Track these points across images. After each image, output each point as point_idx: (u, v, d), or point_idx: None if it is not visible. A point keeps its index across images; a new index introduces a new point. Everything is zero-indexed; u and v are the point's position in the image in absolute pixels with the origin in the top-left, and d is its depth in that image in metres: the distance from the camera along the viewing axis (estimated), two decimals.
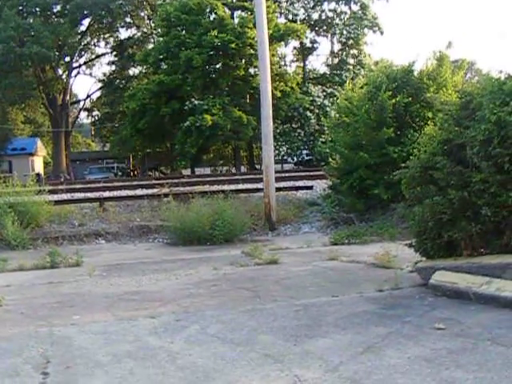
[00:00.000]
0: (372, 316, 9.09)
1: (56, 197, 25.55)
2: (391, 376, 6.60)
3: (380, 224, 19.93)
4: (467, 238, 10.56)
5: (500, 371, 6.59)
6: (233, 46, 48.27)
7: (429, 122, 13.08)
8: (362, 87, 23.39)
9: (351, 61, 63.62)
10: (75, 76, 78.06)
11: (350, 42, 62.36)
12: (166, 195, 24.45)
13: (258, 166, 54.23)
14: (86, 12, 64.46)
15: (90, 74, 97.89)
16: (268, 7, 42.18)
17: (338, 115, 25.08)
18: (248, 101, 51.54)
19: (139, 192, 27.58)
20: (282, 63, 61.50)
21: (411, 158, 11.99)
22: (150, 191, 27.45)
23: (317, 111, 55.17)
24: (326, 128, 26.45)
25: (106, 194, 27.23)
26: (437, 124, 11.97)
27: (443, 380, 6.44)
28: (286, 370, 6.91)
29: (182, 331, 8.65)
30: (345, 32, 61.54)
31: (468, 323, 8.45)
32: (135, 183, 33.84)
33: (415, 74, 22.79)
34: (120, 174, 67.16)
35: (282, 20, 58.19)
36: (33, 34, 59.31)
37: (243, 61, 51.35)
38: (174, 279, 13.07)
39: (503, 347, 7.38)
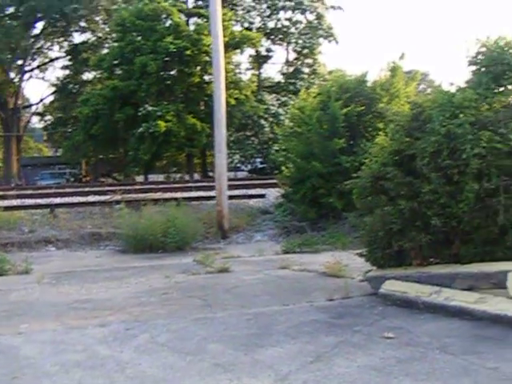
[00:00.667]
0: (322, 325, 9.13)
1: (6, 202, 25.28)
2: None
3: (332, 233, 19.99)
4: (417, 247, 10.67)
5: (448, 380, 6.69)
6: (188, 52, 48.18)
7: (380, 133, 13.16)
8: (315, 97, 23.48)
9: (306, 70, 63.85)
10: (28, 80, 77.35)
11: (305, 51, 62.60)
12: (118, 202, 24.30)
13: (211, 174, 54.11)
14: (39, 15, 63.86)
15: (43, 78, 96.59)
16: (224, 15, 42.19)
17: (291, 124, 25.16)
18: (202, 108, 51.44)
19: (91, 198, 27.33)
20: (237, 71, 61.42)
21: (363, 167, 12.08)
22: (102, 198, 27.22)
23: (271, 119, 55.26)
24: (279, 136, 26.45)
25: (58, 200, 26.94)
26: (388, 134, 12.06)
27: None
28: (236, 379, 6.91)
29: (131, 340, 8.61)
30: (300, 41, 61.80)
31: (417, 332, 8.53)
32: (87, 189, 33.53)
33: (368, 84, 22.96)
34: (72, 179, 66.53)
35: (237, 28, 58.25)
36: None
37: (198, 68, 51.25)
38: (124, 287, 12.97)
39: (451, 356, 7.47)
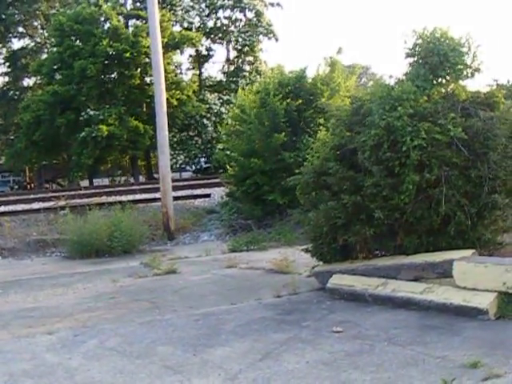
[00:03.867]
0: (270, 322, 9.16)
1: None
2: (290, 381, 6.68)
3: (278, 230, 20.04)
4: (362, 241, 10.74)
5: (396, 370, 6.75)
6: (127, 55, 47.85)
7: (322, 128, 13.22)
8: (254, 94, 23.52)
9: (247, 68, 63.88)
10: None
11: (246, 49, 62.60)
12: (62, 208, 24.04)
13: (156, 175, 53.84)
14: None
15: None
16: (163, 15, 42.12)
17: (233, 122, 25.18)
18: (144, 110, 51.15)
19: (35, 205, 27.01)
20: (178, 71, 61.20)
21: (305, 163, 12.12)
22: (46, 204, 26.91)
23: (214, 119, 55.17)
24: (222, 136, 26.47)
25: (2, 208, 26.63)
26: (329, 129, 12.12)
27: (341, 382, 6.56)
28: (186, 380, 6.91)
29: (80, 346, 8.54)
30: (240, 39, 61.77)
31: (365, 325, 8.61)
32: (32, 196, 33.13)
33: (309, 79, 23.05)
34: (16, 187, 65.73)
35: (177, 28, 57.96)
36: None
37: (139, 70, 50.93)
38: (71, 293, 12.88)
39: (399, 347, 7.54)
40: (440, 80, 11.36)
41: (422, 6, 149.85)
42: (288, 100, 21.71)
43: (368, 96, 11.58)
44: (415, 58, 11.40)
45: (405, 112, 10.32)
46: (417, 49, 11.31)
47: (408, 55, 11.48)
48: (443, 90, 11.41)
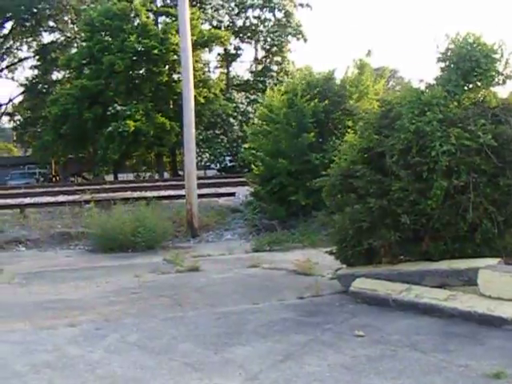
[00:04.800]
0: (292, 323, 9.12)
1: None
2: None
3: (302, 231, 19.97)
4: (387, 245, 10.67)
5: (418, 377, 6.70)
6: (156, 51, 47.97)
7: (350, 130, 13.17)
8: (282, 94, 23.47)
9: (275, 67, 63.87)
10: None
11: (274, 49, 62.62)
12: (87, 202, 24.11)
13: (181, 172, 53.89)
14: (8, 15, 63.30)
15: (12, 78, 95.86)
16: (192, 13, 42.10)
17: (260, 122, 25.15)
18: (171, 107, 51.25)
19: (61, 198, 27.11)
20: (206, 69, 61.31)
21: (332, 165, 12.07)
22: (71, 197, 26.99)
23: (240, 118, 55.20)
24: (248, 135, 26.44)
25: (27, 200, 26.77)
26: (357, 132, 12.06)
27: None
28: (206, 378, 6.88)
29: (101, 340, 8.55)
30: (269, 39, 61.78)
31: (387, 330, 8.54)
32: (57, 189, 33.33)
33: (337, 81, 22.96)
34: (42, 179, 66.05)
35: (206, 26, 58.07)
36: None
37: (167, 67, 51.06)
38: (94, 287, 12.90)
39: (421, 353, 7.48)
40: (471, 86, 11.29)
41: (451, 10, 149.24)
42: (316, 101, 21.64)
43: (397, 100, 11.52)
44: (447, 63, 11.33)
45: (434, 117, 10.26)
46: (449, 54, 11.24)
47: (440, 60, 11.41)
48: (474, 96, 11.32)
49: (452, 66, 11.18)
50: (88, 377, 7.08)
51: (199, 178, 26.15)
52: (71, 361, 7.67)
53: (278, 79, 58.83)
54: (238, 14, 62.20)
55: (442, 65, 11.42)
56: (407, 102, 10.87)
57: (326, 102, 21.94)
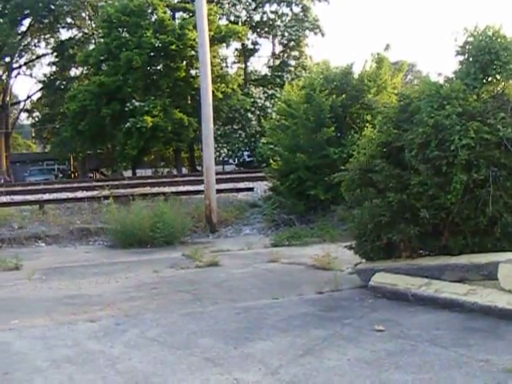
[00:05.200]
0: (312, 318, 9.11)
1: None
2: (331, 378, 6.63)
3: (321, 225, 19.96)
4: (406, 239, 10.64)
5: (438, 372, 6.67)
6: (173, 47, 48.09)
7: (368, 125, 13.12)
8: (300, 89, 23.44)
9: (292, 62, 63.94)
10: (15, 76, 76.98)
11: (292, 43, 62.66)
12: (106, 197, 24.21)
13: (199, 168, 54.08)
14: (26, 12, 63.58)
15: (31, 75, 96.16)
16: (209, 9, 42.13)
17: (278, 117, 25.15)
18: (189, 102, 51.39)
19: (79, 194, 27.26)
20: (224, 64, 61.42)
21: (351, 160, 12.05)
22: (90, 193, 27.09)
23: (258, 113, 55.28)
24: (266, 130, 26.45)
25: (46, 196, 26.93)
26: (376, 126, 12.03)
27: (382, 382, 6.49)
28: (226, 373, 6.89)
29: (121, 335, 8.57)
30: (286, 34, 61.80)
31: (407, 324, 8.52)
32: (76, 185, 33.52)
33: (355, 75, 22.91)
34: (61, 175, 66.41)
35: (223, 21, 58.17)
36: None
37: (184, 62, 51.18)
38: (114, 282, 12.95)
39: (442, 348, 7.45)
40: (490, 79, 11.21)
41: (470, 2, 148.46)
42: (334, 96, 21.60)
43: (416, 93, 11.47)
44: (465, 56, 11.25)
45: (453, 111, 10.21)
46: (467, 47, 11.16)
47: (458, 53, 11.34)
48: (493, 89, 11.25)
49: (471, 59, 11.10)
50: (108, 372, 7.10)
51: (217, 173, 26.19)
52: (91, 356, 7.69)
53: (295, 74, 58.90)
54: (255, 9, 62.23)
55: (461, 58, 11.35)
56: (426, 95, 10.83)
57: (344, 96, 21.91)
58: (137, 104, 47.19)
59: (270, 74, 63.25)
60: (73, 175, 69.20)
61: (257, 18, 62.41)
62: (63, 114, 58.53)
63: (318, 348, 7.66)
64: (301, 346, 7.74)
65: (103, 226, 21.39)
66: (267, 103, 55.39)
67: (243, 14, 61.75)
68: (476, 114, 10.42)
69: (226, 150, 55.75)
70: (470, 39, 11.09)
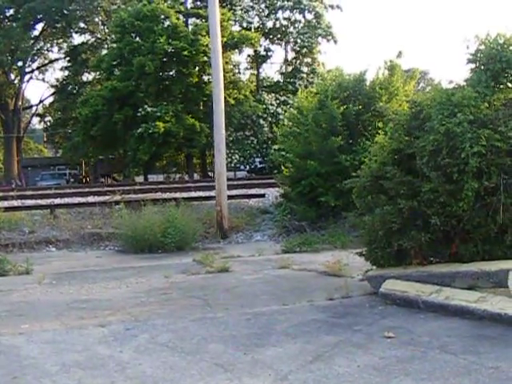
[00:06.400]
0: (322, 324, 9.12)
1: (6, 203, 25.28)
2: None
3: (332, 232, 19.98)
4: (417, 246, 10.65)
5: (448, 379, 6.67)
6: (186, 53, 48.13)
7: (380, 132, 13.13)
8: (313, 96, 23.45)
9: (305, 69, 63.85)
10: (28, 81, 77.20)
11: (304, 50, 62.58)
12: (117, 202, 24.27)
13: (210, 174, 54.12)
14: (39, 16, 63.82)
15: (43, 80, 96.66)
16: (222, 15, 42.19)
17: (290, 123, 25.16)
18: (201, 108, 51.44)
19: (91, 199, 27.31)
20: (236, 71, 61.46)
21: (362, 166, 12.07)
22: (101, 198, 27.13)
23: (270, 119, 55.31)
24: (278, 136, 26.46)
25: (57, 200, 26.98)
26: (387, 133, 12.04)
27: None
28: (236, 379, 6.90)
29: (131, 340, 8.59)
30: (299, 40, 61.74)
31: (417, 331, 8.52)
32: (87, 190, 33.56)
33: (367, 83, 22.90)
34: (72, 180, 66.52)
35: (236, 28, 58.21)
36: None
37: (197, 68, 51.22)
38: (124, 287, 12.98)
39: (452, 355, 7.45)
40: (501, 87, 11.23)
41: (482, 11, 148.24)
42: (346, 105, 21.61)
43: (427, 101, 11.48)
44: (477, 64, 11.27)
45: (465, 118, 10.22)
46: (479, 55, 11.18)
47: (469, 61, 11.35)
48: (504, 97, 11.25)
49: (482, 66, 11.12)
50: (118, 377, 7.12)
51: (229, 180, 26.22)
52: (101, 361, 7.71)
53: (308, 81, 58.91)
54: (267, 16, 62.24)
55: (472, 66, 11.36)
56: (437, 103, 10.84)
57: (357, 105, 21.93)
58: (149, 109, 47.25)
59: (282, 81, 63.24)
60: (84, 180, 69.34)
61: (269, 24, 62.44)
62: (75, 118, 58.70)
63: (328, 354, 7.67)
64: (311, 353, 7.74)
65: (114, 231, 21.44)
66: (279, 110, 55.37)
67: (256, 20, 61.78)
68: (487, 122, 10.43)
69: (237, 156, 55.73)
70: (482, 47, 11.11)
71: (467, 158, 9.98)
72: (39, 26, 67.32)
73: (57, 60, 74.54)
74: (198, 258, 16.23)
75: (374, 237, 11.13)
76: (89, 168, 71.29)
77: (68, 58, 70.32)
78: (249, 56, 65.54)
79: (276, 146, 31.88)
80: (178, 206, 22.02)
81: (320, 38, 62.17)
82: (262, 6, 61.52)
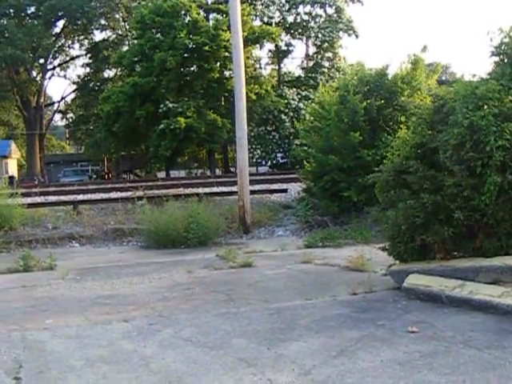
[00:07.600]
0: (345, 319, 9.10)
1: (29, 200, 25.43)
2: (364, 379, 6.61)
3: (354, 227, 19.95)
4: (440, 241, 10.59)
5: (472, 374, 6.63)
6: (207, 48, 48.20)
7: (402, 126, 13.08)
8: (334, 91, 23.40)
9: (326, 64, 63.84)
10: (49, 78, 77.78)
11: (325, 45, 62.53)
12: (140, 198, 24.34)
13: (232, 169, 54.21)
14: (60, 14, 64.20)
15: (65, 76, 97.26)
16: (243, 10, 42.15)
17: (311, 118, 25.11)
18: (223, 103, 51.53)
19: (113, 195, 27.44)
20: (257, 66, 61.61)
21: (385, 161, 12.02)
22: (124, 194, 27.22)
23: (291, 114, 55.26)
24: (300, 131, 26.45)
25: (80, 196, 27.15)
26: (410, 128, 11.98)
27: (415, 383, 6.46)
28: (260, 373, 6.90)
29: (155, 335, 8.61)
30: (320, 35, 61.66)
31: (441, 326, 8.48)
32: (109, 186, 33.74)
33: (389, 77, 22.81)
34: (94, 176, 66.91)
35: (257, 22, 58.23)
36: (7, 35, 59.08)
37: (218, 63, 51.28)
38: (147, 282, 13.01)
39: (475, 350, 7.41)
40: None
41: (503, 5, 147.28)
42: (368, 100, 21.53)
43: (451, 94, 11.39)
44: (501, 57, 11.18)
45: (489, 111, 10.14)
46: (503, 47, 11.09)
47: (493, 54, 11.28)
48: None
49: (506, 59, 11.04)
50: (142, 371, 7.14)
51: (251, 175, 26.22)
52: (125, 355, 7.74)
53: (329, 75, 58.83)
54: (288, 10, 62.20)
55: (496, 59, 11.28)
56: (461, 96, 10.76)
57: (379, 99, 21.86)
58: (170, 105, 47.37)
59: (303, 76, 63.23)
60: (107, 176, 69.61)
61: (290, 19, 62.41)
62: (97, 115, 59.03)
63: (352, 349, 7.65)
64: (334, 347, 7.73)
65: (137, 227, 21.53)
66: (301, 104, 55.29)
67: (276, 15, 61.76)
68: (511, 116, 10.34)
69: (259, 151, 55.77)
70: (506, 40, 11.02)
71: (491, 152, 9.91)
72: (60, 24, 67.88)
73: (78, 57, 75.04)
74: (221, 253, 16.25)
75: (397, 231, 11.08)
76: (111, 164, 71.52)
77: (89, 55, 70.72)
78: (270, 51, 65.65)
79: (298, 141, 31.87)
80: (201, 202, 22.08)
81: (341, 33, 62.12)
82: (283, 0, 61.47)
